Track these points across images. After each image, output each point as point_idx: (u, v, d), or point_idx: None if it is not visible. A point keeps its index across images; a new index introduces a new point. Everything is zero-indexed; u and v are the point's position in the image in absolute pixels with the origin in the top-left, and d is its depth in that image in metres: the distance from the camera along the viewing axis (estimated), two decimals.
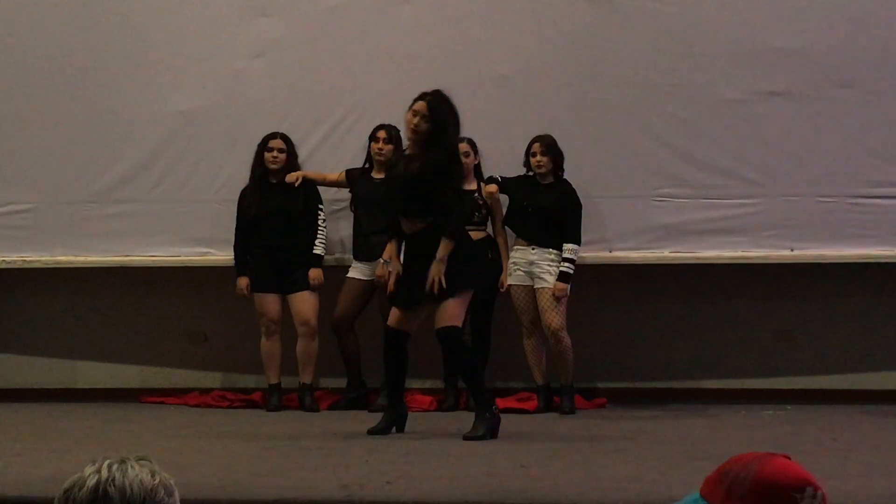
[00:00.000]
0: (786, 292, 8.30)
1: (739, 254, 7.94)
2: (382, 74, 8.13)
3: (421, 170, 6.52)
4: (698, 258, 7.98)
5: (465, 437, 6.49)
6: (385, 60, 8.16)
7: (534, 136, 7.79)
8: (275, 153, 8.01)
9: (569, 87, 8.02)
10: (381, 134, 7.95)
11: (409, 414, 7.13)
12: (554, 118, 7.95)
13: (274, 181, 8.01)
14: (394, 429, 6.75)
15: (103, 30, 8.36)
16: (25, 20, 8.42)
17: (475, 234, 7.68)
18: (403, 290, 6.70)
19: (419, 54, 8.08)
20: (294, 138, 8.11)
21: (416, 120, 6.54)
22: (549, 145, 7.75)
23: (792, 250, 7.91)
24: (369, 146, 8.00)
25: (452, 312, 6.57)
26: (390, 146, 7.91)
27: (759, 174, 7.92)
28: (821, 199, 7.88)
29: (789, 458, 2.05)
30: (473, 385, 6.79)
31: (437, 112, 6.53)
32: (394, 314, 6.78)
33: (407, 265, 6.72)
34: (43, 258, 8.41)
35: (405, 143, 7.02)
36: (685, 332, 8.34)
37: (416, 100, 6.60)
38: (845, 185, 7.86)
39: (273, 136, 8.04)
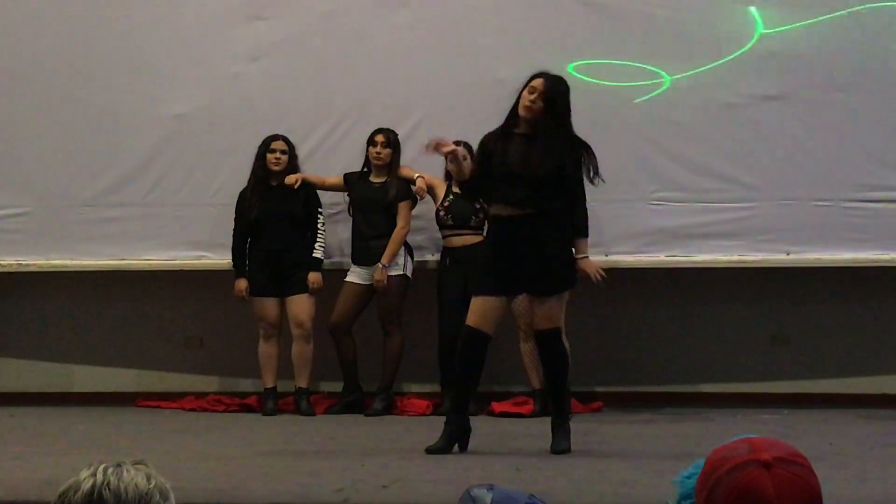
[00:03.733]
0: (782, 296, 8.30)
1: (735, 258, 7.94)
2: (379, 78, 8.13)
3: (559, 160, 6.15)
4: (694, 262, 7.97)
5: (554, 451, 6.16)
6: (382, 64, 8.15)
7: None
8: (277, 154, 7.99)
9: None
10: (380, 138, 7.94)
11: (405, 418, 7.07)
12: None
13: (274, 184, 7.99)
14: (456, 446, 6.22)
15: (100, 33, 8.35)
16: (22, 24, 8.41)
17: (473, 238, 7.69)
18: (491, 277, 6.16)
19: (416, 58, 8.08)
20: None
21: (532, 97, 6.16)
22: None
23: (788, 254, 7.91)
24: (367, 150, 8.00)
25: (557, 312, 6.30)
26: (388, 150, 7.92)
27: (755, 178, 7.91)
28: (817, 202, 7.88)
29: (770, 467, 1.99)
30: (563, 392, 6.46)
31: (553, 91, 6.18)
32: (476, 312, 6.17)
33: (498, 252, 6.18)
34: (39, 262, 8.39)
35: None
36: (681, 336, 8.34)
37: (533, 77, 6.24)
38: (841, 188, 7.86)
39: (275, 137, 8.02)
